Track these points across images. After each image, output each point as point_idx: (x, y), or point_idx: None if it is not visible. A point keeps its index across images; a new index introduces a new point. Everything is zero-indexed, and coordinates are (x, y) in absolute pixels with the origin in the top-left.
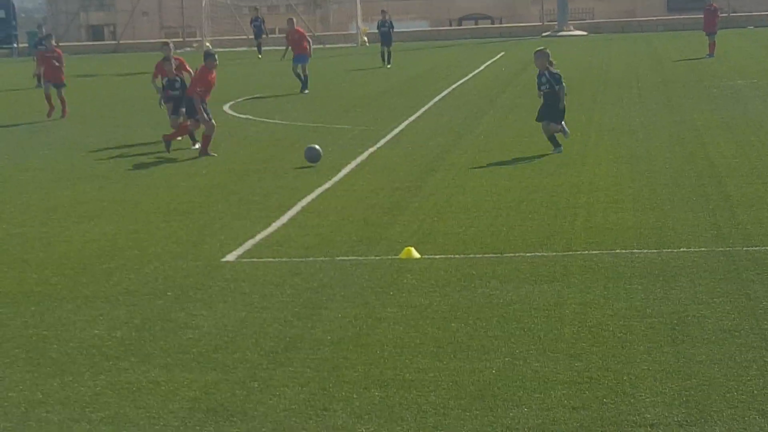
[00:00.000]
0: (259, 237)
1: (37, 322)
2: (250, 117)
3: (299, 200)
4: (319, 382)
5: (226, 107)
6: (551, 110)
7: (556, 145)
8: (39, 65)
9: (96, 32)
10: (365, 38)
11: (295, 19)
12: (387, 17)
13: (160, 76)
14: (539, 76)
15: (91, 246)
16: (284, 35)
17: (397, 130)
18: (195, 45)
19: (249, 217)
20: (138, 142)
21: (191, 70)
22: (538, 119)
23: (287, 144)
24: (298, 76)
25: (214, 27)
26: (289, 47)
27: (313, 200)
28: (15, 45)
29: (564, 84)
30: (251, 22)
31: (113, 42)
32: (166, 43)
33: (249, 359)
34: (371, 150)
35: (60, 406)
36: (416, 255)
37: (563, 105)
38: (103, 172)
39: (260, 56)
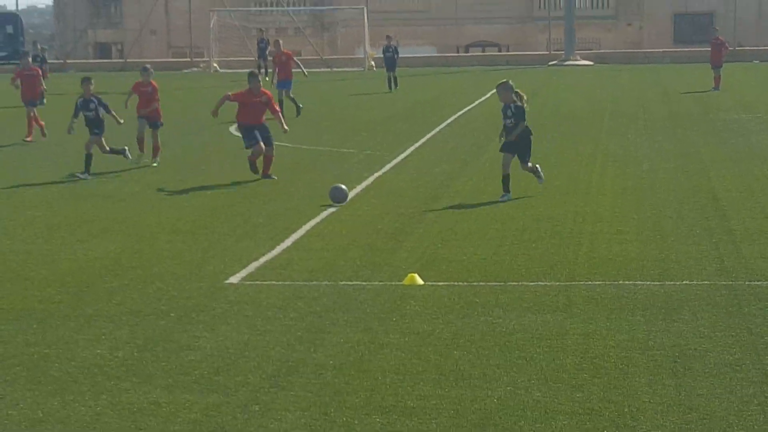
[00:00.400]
0: (263, 259)
1: (39, 340)
2: None
3: (304, 223)
4: (320, 406)
5: (232, 129)
6: (518, 145)
7: (507, 190)
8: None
9: (103, 50)
10: (372, 63)
11: (282, 42)
12: (392, 42)
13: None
14: (504, 109)
15: (94, 264)
16: (271, 58)
17: (402, 156)
18: (202, 65)
19: (254, 239)
20: (143, 160)
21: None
22: (502, 149)
23: (294, 167)
24: (292, 100)
25: (222, 47)
26: (276, 70)
27: (318, 224)
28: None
29: (526, 123)
30: (258, 44)
31: (120, 60)
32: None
33: (251, 382)
34: (377, 174)
35: (60, 425)
36: (420, 281)
37: (515, 137)
38: (107, 191)
39: (267, 78)
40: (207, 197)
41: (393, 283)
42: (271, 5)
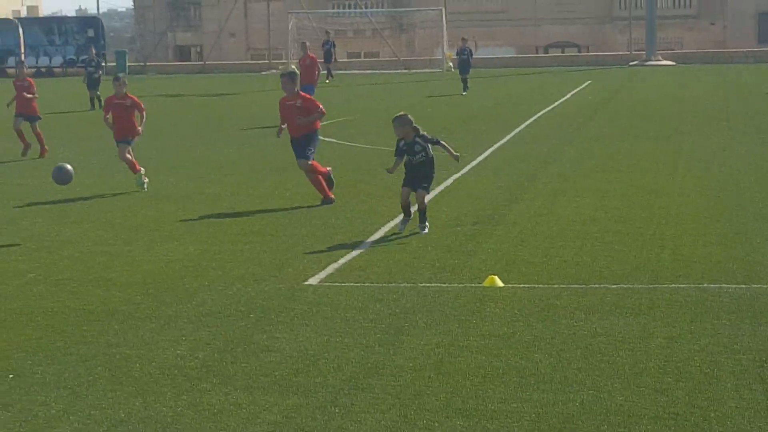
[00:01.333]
0: (342, 261)
1: (121, 341)
2: (334, 140)
3: (382, 225)
4: (400, 409)
5: None
6: (422, 178)
7: (423, 220)
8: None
9: (183, 52)
10: (450, 64)
11: (309, 44)
12: (466, 44)
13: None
14: (410, 144)
15: (174, 266)
16: (297, 60)
17: (482, 157)
18: (281, 67)
19: (332, 241)
20: (222, 162)
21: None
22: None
23: (371, 168)
24: None
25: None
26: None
27: (395, 226)
28: (103, 64)
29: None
30: (322, 46)
31: (199, 63)
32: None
33: (330, 384)
34: (456, 176)
35: (141, 425)
36: (499, 283)
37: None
38: (186, 192)
39: (327, 81)
40: (286, 199)
41: (472, 285)
42: (349, 7)
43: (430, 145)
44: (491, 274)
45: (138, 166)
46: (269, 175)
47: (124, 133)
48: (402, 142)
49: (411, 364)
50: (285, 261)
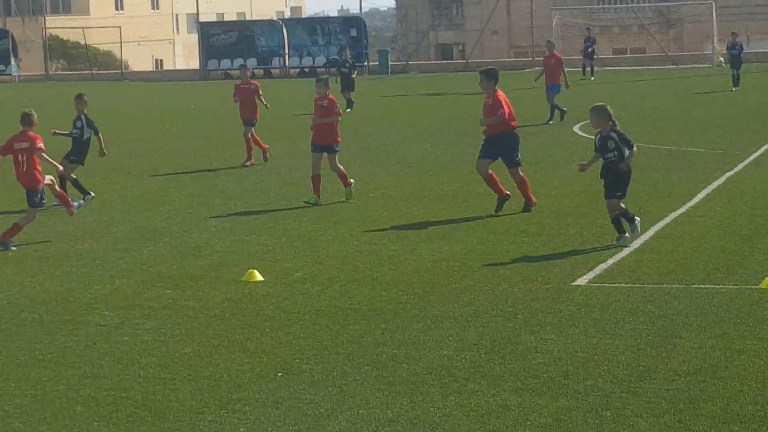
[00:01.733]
0: (610, 261)
1: (387, 340)
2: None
3: (652, 225)
4: (675, 414)
5: (576, 128)
6: (615, 182)
7: (621, 231)
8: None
9: (445, 51)
10: (721, 59)
11: (555, 43)
12: (737, 39)
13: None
14: (604, 139)
15: (440, 265)
16: (542, 59)
17: (756, 154)
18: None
19: (600, 240)
20: None
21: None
22: (608, 196)
23: (639, 167)
24: (555, 106)
25: (565, 46)
26: (544, 72)
27: (666, 225)
28: (366, 63)
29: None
30: (584, 42)
31: (462, 61)
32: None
33: (601, 387)
34: (728, 174)
35: (410, 425)
36: None
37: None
38: (451, 192)
39: (592, 78)
40: (552, 198)
41: (748, 287)
42: (615, 2)
43: (626, 147)
44: None
45: (349, 180)
46: (539, 172)
47: (328, 140)
48: (598, 136)
49: (685, 368)
50: (552, 261)
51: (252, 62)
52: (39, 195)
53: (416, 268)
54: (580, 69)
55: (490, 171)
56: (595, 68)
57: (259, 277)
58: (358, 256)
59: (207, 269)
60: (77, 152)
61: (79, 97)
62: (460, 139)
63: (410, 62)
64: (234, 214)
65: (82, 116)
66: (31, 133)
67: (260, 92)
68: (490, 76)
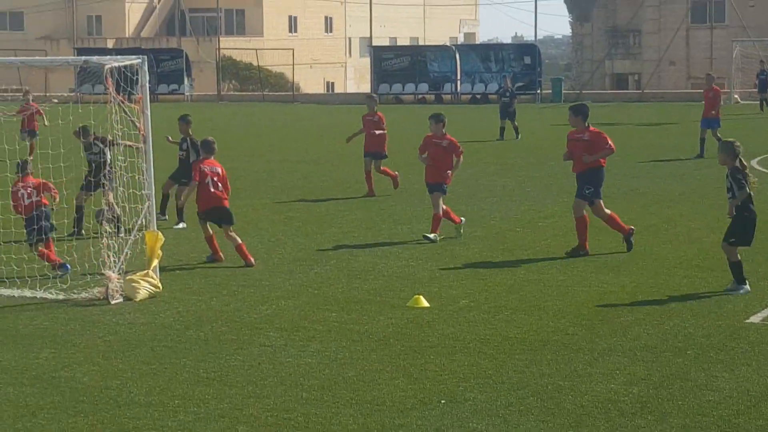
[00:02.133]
0: None
1: (553, 371)
2: None
3: None
4: None
5: (754, 162)
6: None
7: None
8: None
9: (620, 80)
10: None
11: (715, 76)
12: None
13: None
14: (726, 177)
15: (609, 297)
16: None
17: None
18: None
19: None
20: (665, 192)
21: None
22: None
23: None
24: (702, 141)
25: (744, 78)
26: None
27: None
28: (538, 91)
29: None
30: (757, 76)
31: (637, 91)
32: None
33: None
34: None
35: None
36: None
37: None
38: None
39: (761, 111)
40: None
41: None
42: None
43: (737, 188)
44: None
45: (456, 217)
46: (711, 208)
47: (436, 178)
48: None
49: None
50: (725, 297)
51: (423, 87)
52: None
53: (584, 300)
54: (758, 103)
55: (608, 211)
56: None
57: (425, 303)
58: (525, 285)
59: (373, 293)
60: (184, 173)
61: (183, 119)
62: (632, 170)
63: (584, 91)
64: (401, 239)
65: (188, 138)
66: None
67: (383, 123)
68: (577, 111)
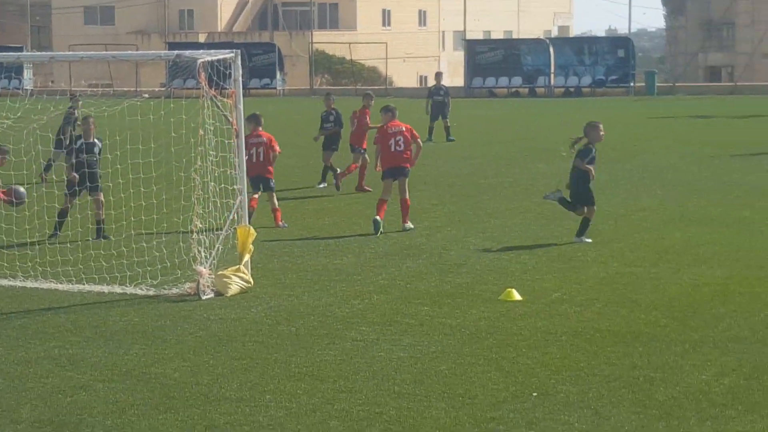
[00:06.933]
0: None
1: (645, 363)
2: None
3: None
4: None
5: None
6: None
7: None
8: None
9: (713, 73)
10: None
11: None
12: None
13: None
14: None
15: (701, 290)
16: None
17: None
18: None
19: None
20: (755, 186)
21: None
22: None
23: None
24: None
25: None
26: None
27: None
28: (632, 84)
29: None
30: None
31: (730, 84)
32: None
33: None
34: None
35: None
36: None
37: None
38: (716, 215)
39: None
40: None
41: None
42: None
43: None
44: None
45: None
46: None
47: (404, 163)
48: None
49: None
50: None
51: (517, 81)
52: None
53: (677, 292)
54: None
55: None
56: None
57: (517, 296)
58: (617, 278)
59: (465, 287)
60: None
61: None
62: (728, 163)
63: (677, 84)
64: (494, 233)
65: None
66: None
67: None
68: None
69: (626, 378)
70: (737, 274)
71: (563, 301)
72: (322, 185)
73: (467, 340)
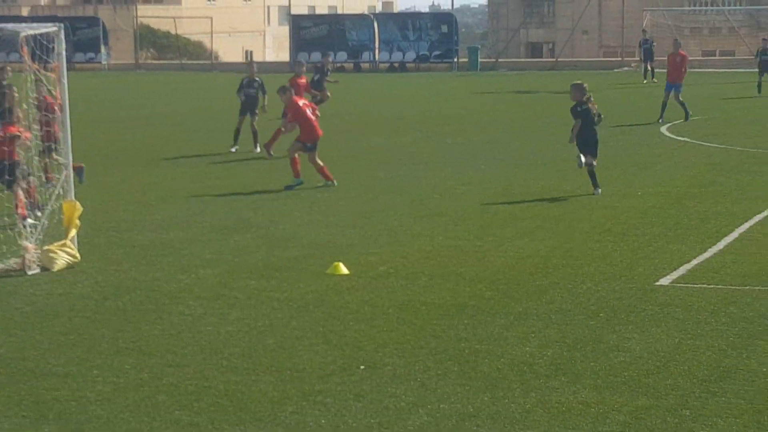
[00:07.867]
0: (694, 262)
1: (470, 335)
2: (688, 140)
3: (737, 227)
4: (753, 414)
5: (663, 129)
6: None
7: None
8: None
9: (535, 49)
10: None
11: (681, 42)
12: None
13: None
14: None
15: (525, 262)
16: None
17: None
18: (633, 65)
19: (684, 241)
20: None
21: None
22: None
23: (726, 168)
24: (681, 104)
25: (655, 47)
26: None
27: (751, 227)
28: (455, 60)
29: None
30: (640, 45)
31: (551, 59)
32: None
33: (681, 386)
34: None
35: (490, 420)
36: None
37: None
38: (538, 189)
39: (645, 81)
40: (638, 198)
41: None
42: (706, 5)
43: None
44: None
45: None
46: (625, 172)
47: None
48: None
49: (765, 369)
50: (636, 260)
51: (342, 56)
52: None
53: (501, 265)
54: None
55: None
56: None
57: (344, 270)
58: (443, 251)
59: (293, 261)
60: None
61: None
62: (548, 137)
63: (500, 60)
64: (321, 207)
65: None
66: None
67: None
68: None
69: (452, 350)
70: (560, 246)
71: (389, 274)
72: (234, 149)
73: (295, 314)
